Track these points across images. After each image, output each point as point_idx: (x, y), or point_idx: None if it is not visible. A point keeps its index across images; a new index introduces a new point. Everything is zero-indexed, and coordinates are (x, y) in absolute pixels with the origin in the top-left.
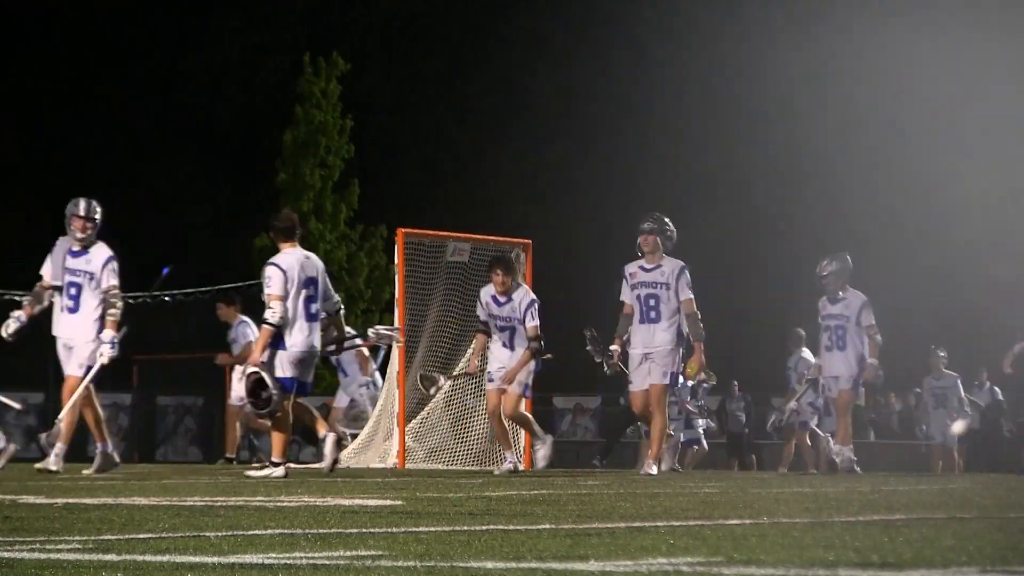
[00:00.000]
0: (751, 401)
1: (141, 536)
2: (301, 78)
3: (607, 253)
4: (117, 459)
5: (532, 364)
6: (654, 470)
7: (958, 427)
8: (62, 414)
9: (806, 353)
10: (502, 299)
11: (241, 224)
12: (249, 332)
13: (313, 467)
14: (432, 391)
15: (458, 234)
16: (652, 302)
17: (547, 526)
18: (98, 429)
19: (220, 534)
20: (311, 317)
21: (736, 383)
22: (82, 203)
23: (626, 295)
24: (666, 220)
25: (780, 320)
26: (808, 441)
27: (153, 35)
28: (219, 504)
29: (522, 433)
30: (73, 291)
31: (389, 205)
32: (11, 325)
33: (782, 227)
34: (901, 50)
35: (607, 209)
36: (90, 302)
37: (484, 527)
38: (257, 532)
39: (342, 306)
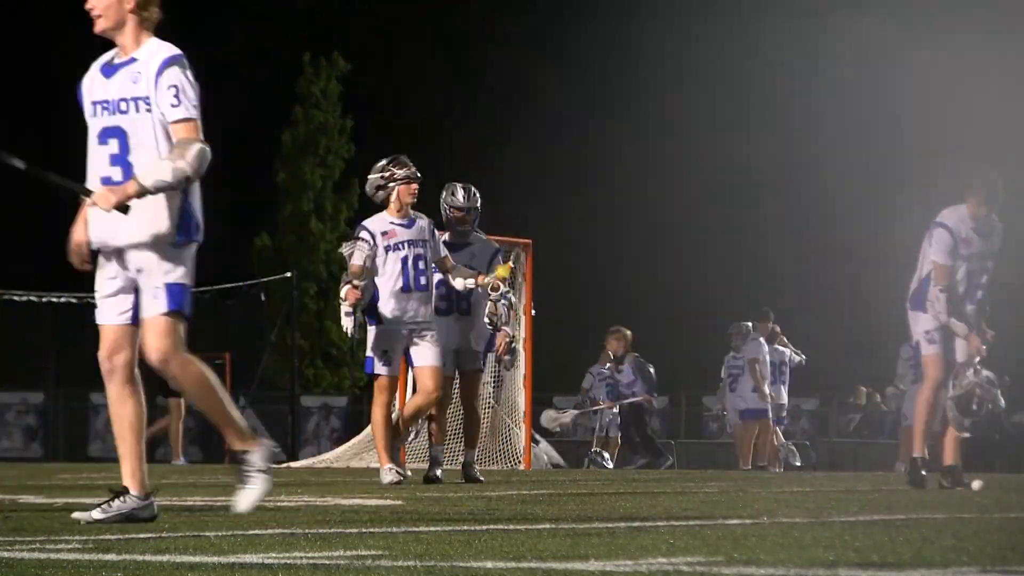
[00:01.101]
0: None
1: (141, 536)
2: (301, 78)
3: (608, 253)
4: None
5: None
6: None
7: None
8: None
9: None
10: None
11: (241, 224)
12: None
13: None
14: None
15: None
16: (421, 265)
17: (547, 526)
18: None
19: (220, 534)
20: None
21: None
22: None
23: None
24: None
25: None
26: (775, 438)
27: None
28: (219, 504)
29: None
30: None
31: None
32: None
33: (783, 229)
34: (901, 49)
35: (608, 209)
36: None
37: (484, 527)
38: (257, 532)
39: None
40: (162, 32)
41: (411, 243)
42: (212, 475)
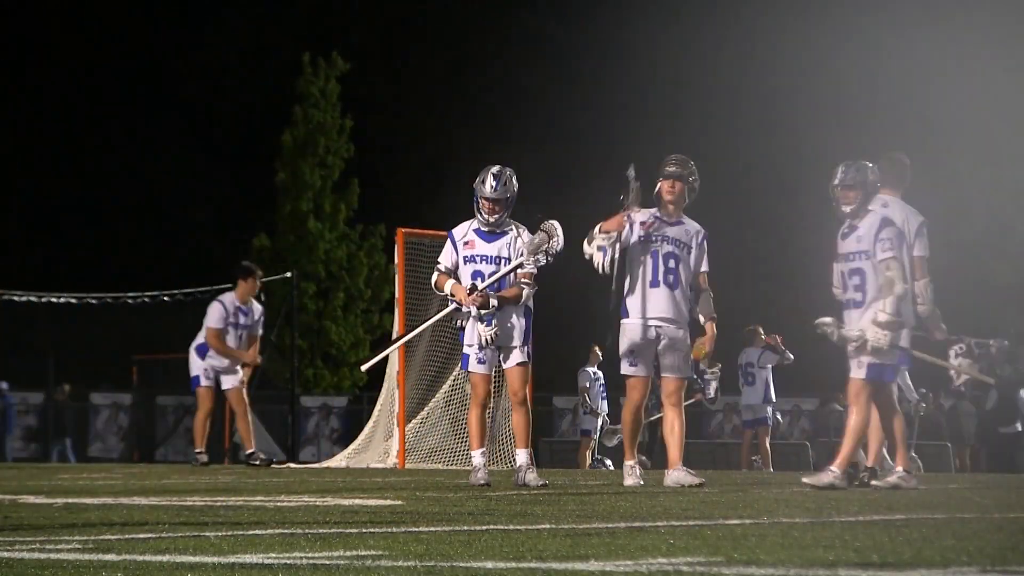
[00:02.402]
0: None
1: (141, 536)
2: (300, 78)
3: None
4: None
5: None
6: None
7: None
8: None
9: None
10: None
11: (240, 224)
12: None
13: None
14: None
15: None
16: (672, 263)
17: (547, 526)
18: None
19: (220, 534)
20: None
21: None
22: None
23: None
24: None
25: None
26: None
27: (153, 34)
28: (219, 504)
29: None
30: None
31: (389, 205)
32: None
33: (780, 228)
34: (902, 49)
35: (607, 209)
36: None
37: (484, 527)
38: (257, 532)
39: None
40: (163, 34)
41: (669, 240)
42: (212, 475)
